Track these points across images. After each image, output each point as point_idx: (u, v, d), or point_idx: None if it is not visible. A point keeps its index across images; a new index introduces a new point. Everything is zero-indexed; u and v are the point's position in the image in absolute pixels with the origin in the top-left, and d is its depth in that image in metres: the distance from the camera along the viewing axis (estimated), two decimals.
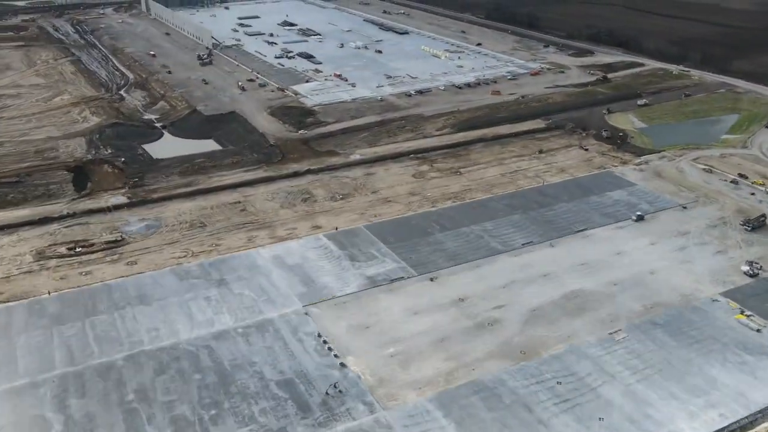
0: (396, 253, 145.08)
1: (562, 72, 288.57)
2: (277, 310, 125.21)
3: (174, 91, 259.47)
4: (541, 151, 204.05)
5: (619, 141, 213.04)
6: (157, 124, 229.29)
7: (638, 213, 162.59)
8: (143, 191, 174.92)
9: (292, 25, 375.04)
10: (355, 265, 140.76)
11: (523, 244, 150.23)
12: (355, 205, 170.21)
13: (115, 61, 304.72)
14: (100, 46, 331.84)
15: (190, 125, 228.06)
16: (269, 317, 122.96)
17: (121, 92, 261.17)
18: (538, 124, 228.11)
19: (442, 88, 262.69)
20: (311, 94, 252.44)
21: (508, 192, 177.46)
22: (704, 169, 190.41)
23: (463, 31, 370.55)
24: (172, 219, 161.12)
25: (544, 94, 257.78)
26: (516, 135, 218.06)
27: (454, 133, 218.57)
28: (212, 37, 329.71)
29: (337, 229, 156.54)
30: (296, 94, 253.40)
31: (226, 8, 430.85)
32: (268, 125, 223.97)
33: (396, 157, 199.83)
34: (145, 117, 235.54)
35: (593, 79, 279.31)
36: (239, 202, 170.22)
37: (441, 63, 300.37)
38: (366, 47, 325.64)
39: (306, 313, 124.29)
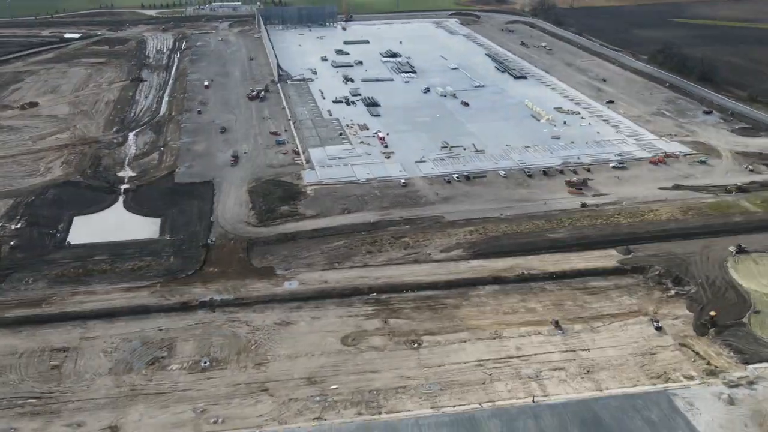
0: None
1: (703, 162, 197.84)
2: None
3: (180, 139, 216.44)
4: (556, 325, 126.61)
5: (726, 320, 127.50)
6: (125, 186, 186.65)
7: None
8: None
9: (393, 56, 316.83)
10: None
11: None
12: (210, 387, 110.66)
13: (167, 90, 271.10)
14: (173, 69, 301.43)
15: (151, 194, 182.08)
16: None
17: (131, 134, 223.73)
18: (606, 258, 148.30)
19: (503, 173, 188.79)
20: (323, 164, 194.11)
21: (459, 410, 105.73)
22: None
23: (604, 80, 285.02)
24: None
25: (650, 202, 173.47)
26: (558, 277, 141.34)
27: (465, 260, 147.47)
28: (280, 68, 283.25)
29: None
30: (307, 162, 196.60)
31: (344, 29, 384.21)
32: (231, 209, 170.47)
33: (348, 294, 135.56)
34: (121, 174, 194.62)
35: (748, 180, 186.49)
36: (65, 350, 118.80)
37: (536, 128, 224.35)
38: (454, 95, 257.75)
39: None
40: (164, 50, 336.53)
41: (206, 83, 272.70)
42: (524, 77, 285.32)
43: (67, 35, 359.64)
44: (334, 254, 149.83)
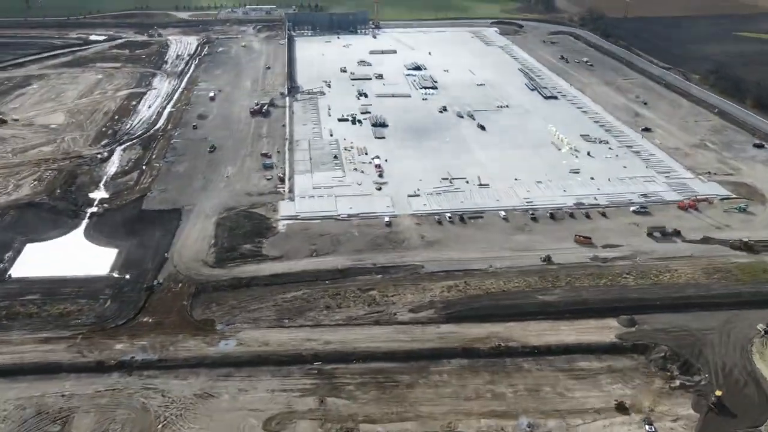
0: None
1: (743, 210, 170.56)
2: None
3: (165, 158, 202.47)
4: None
5: (739, 426, 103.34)
6: (92, 209, 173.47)
7: None
8: None
9: (417, 68, 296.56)
10: None
11: None
12: None
13: (172, 101, 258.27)
14: (185, 77, 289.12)
15: (115, 221, 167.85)
16: None
17: (119, 149, 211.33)
18: (604, 330, 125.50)
19: (503, 214, 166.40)
20: (306, 194, 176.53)
21: None
22: None
23: (646, 103, 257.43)
24: None
25: (669, 258, 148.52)
26: (540, 353, 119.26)
27: (434, 324, 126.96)
28: (291, 79, 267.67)
29: None
30: (290, 191, 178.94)
31: (374, 37, 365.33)
32: (192, 244, 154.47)
33: (288, 362, 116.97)
34: (93, 194, 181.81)
35: None
36: None
37: (554, 159, 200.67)
38: (472, 116, 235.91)
39: None
40: (184, 56, 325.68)
41: (211, 94, 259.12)
42: (555, 97, 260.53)
43: (92, 37, 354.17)
44: (288, 308, 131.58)
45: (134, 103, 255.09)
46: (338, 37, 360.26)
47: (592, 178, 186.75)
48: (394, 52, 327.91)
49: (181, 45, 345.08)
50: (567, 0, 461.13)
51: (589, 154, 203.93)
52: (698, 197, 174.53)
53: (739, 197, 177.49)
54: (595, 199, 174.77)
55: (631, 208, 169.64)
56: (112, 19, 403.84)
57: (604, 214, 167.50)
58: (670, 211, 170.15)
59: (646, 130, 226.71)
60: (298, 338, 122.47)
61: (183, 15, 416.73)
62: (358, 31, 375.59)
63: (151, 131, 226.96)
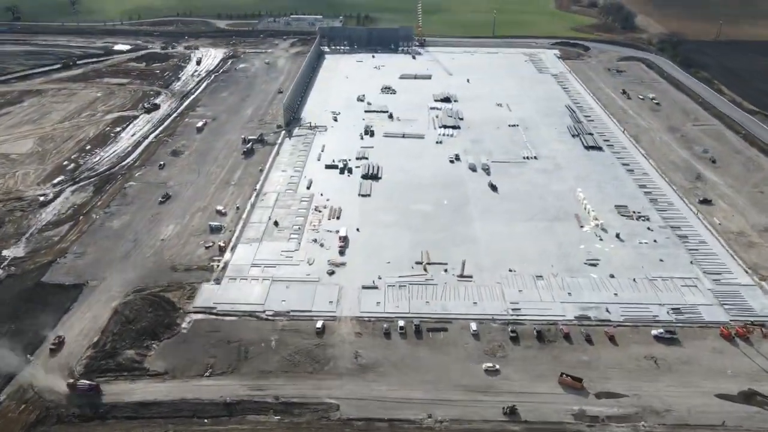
0: None
1: None
2: None
3: (107, 208, 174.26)
4: None
5: None
6: None
7: None
8: None
9: (446, 100, 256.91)
10: None
11: None
12: None
13: (159, 129, 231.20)
14: (188, 99, 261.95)
15: (8, 295, 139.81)
16: None
17: (69, 189, 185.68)
18: None
19: (474, 328, 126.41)
20: (239, 274, 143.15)
21: None
22: None
23: (714, 161, 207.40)
24: None
25: (691, 427, 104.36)
26: None
27: None
28: (289, 110, 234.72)
29: None
30: (222, 269, 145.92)
31: (413, 57, 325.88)
32: (68, 343, 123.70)
33: None
34: (6, 252, 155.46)
35: None
36: None
37: (571, 242, 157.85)
38: (486, 170, 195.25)
39: None
40: (202, 72, 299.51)
41: (199, 124, 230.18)
42: (599, 148, 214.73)
43: (116, 47, 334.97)
44: None
45: (118, 129, 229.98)
46: (373, 56, 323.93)
47: (612, 276, 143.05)
48: (429, 77, 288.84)
49: (205, 58, 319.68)
50: (650, 17, 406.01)
51: (618, 236, 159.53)
52: (750, 324, 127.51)
53: None
54: (608, 311, 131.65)
55: (653, 331, 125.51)
56: (150, 26, 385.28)
57: (612, 339, 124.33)
58: (707, 341, 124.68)
59: (705, 202, 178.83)
60: None
61: (221, 24, 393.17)
62: (400, 49, 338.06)
63: (116, 168, 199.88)
